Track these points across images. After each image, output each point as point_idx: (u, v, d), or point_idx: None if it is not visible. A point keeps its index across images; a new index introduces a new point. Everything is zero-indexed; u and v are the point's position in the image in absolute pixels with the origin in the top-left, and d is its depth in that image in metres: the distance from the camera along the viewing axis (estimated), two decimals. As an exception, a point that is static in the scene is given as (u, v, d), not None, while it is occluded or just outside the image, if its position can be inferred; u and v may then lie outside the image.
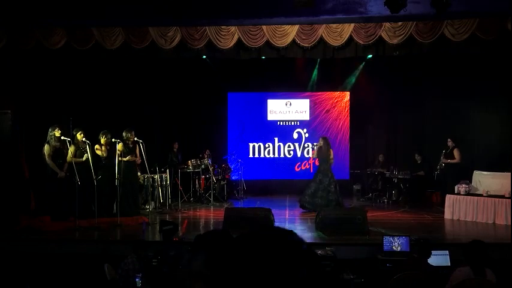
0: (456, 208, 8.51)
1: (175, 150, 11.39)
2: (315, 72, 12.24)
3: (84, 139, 7.91)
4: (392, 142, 12.40)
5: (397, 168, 10.83)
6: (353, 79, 12.25)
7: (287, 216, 8.83)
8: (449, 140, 9.92)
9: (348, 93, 12.63)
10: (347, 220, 7.09)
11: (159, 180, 9.58)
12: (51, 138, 7.81)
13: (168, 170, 10.20)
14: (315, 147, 9.78)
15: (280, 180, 12.40)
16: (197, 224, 8.34)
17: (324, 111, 12.72)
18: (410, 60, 10.33)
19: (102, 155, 8.34)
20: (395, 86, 11.71)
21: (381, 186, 11.23)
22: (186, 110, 12.32)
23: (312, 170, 12.37)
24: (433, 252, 4.96)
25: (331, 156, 9.29)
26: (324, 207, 8.35)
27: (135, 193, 8.74)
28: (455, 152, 9.82)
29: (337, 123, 12.71)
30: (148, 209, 8.55)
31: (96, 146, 8.30)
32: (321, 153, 9.15)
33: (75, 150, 7.99)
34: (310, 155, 9.33)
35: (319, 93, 12.73)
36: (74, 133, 7.99)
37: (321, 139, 9.26)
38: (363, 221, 7.04)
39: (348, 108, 12.64)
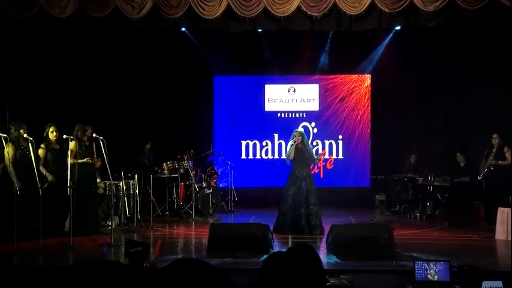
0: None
1: (146, 150, 11.43)
2: (326, 49, 12.23)
3: (26, 135, 7.76)
4: (427, 139, 12.42)
5: (432, 172, 10.80)
6: (375, 58, 12.25)
7: (290, 234, 8.72)
8: (495, 136, 9.73)
9: (369, 76, 12.67)
10: (368, 240, 7.03)
11: (125, 188, 9.51)
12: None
13: (137, 176, 10.14)
14: (288, 145, 9.59)
15: (281, 188, 12.18)
16: (174, 246, 8.27)
17: (337, 100, 12.77)
18: (451, 33, 10.31)
19: (49, 156, 8.20)
20: (430, 67, 11.73)
21: (412, 197, 11.23)
22: (161, 98, 12.35)
23: (322, 175, 12.39)
24: (483, 283, 4.86)
25: (316, 156, 9.16)
26: (299, 233, 8.37)
27: (94, 205, 8.63)
28: (507, 152, 9.72)
29: (354, 115, 12.74)
30: (111, 225, 8.43)
31: (42, 145, 8.16)
32: (299, 153, 8.94)
33: (15, 150, 7.85)
34: (287, 156, 9.04)
35: (332, 76, 12.75)
36: (13, 129, 7.85)
37: (297, 133, 9.00)
38: (389, 241, 6.99)
39: (368, 95, 12.67)
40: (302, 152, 8.90)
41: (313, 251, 3.15)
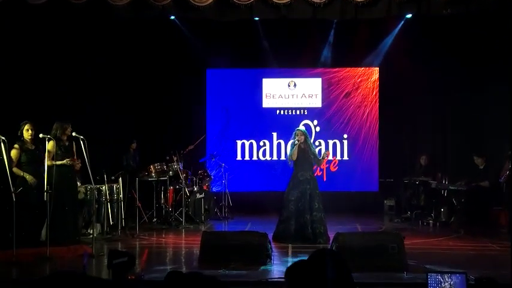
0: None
1: (132, 150, 11.43)
2: (330, 39, 12.25)
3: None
4: (441, 139, 12.44)
5: (447, 175, 10.79)
6: (384, 50, 12.26)
7: (290, 244, 8.68)
8: None
9: (377, 69, 12.71)
10: (376, 250, 7.00)
11: (107, 193, 9.47)
12: None
13: (121, 179, 10.11)
14: (289, 145, 9.49)
15: (280, 193, 12.16)
16: (162, 256, 8.25)
17: (342, 95, 12.79)
18: (468, 23, 10.30)
19: (24, 157, 8.16)
20: (444, 60, 11.74)
21: (425, 202, 11.23)
22: (148, 94, 12.34)
23: (325, 178, 12.38)
24: (502, 296, 4.84)
25: (321, 157, 9.13)
26: (304, 242, 8.34)
27: (73, 212, 8.58)
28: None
29: (361, 112, 12.77)
30: (92, 234, 8.38)
31: (16, 145, 8.11)
32: (302, 153, 8.89)
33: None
34: (289, 157, 8.94)
35: (336, 69, 12.79)
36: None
37: (299, 132, 8.95)
38: (399, 251, 6.95)
39: (376, 90, 12.69)
40: (305, 152, 8.85)
41: (340, 256, 3.19)
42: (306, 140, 8.91)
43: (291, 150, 8.96)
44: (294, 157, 8.81)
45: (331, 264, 3.00)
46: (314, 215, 8.64)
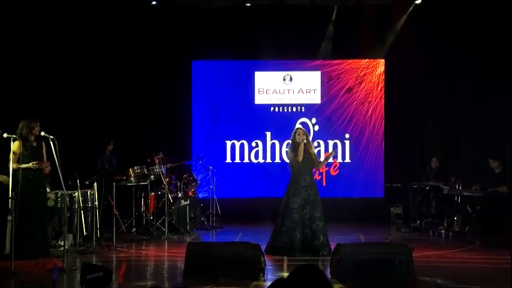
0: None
1: (108, 151, 11.42)
2: (330, 28, 12.26)
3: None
4: (454, 139, 12.45)
5: (461, 180, 10.82)
6: (390, 39, 12.27)
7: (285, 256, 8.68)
8: None
9: (382, 61, 12.75)
10: (381, 263, 6.99)
11: (81, 200, 9.45)
12: None
13: (96, 184, 10.05)
14: (289, 150, 9.33)
15: (274, 199, 12.12)
16: (142, 270, 8.17)
17: (343, 91, 12.79)
18: (484, 9, 10.36)
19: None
20: (458, 50, 11.76)
21: (436, 209, 11.26)
22: (126, 89, 12.36)
23: (325, 183, 12.37)
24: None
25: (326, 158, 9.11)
26: (310, 254, 8.34)
27: (42, 221, 8.52)
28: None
29: (364, 110, 12.80)
30: (64, 246, 8.33)
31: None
32: (306, 155, 8.81)
33: None
34: (295, 159, 8.84)
35: (337, 61, 12.81)
36: None
37: (302, 131, 8.89)
38: (407, 264, 6.94)
39: (382, 85, 12.73)
40: (309, 154, 8.82)
41: (321, 273, 3.25)
42: (308, 140, 8.91)
43: (295, 151, 8.81)
44: (301, 158, 8.73)
45: (313, 282, 3.04)
46: (317, 224, 8.62)
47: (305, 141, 8.74)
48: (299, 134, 8.84)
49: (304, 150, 8.79)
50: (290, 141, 9.09)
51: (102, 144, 11.40)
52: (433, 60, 11.81)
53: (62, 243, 8.53)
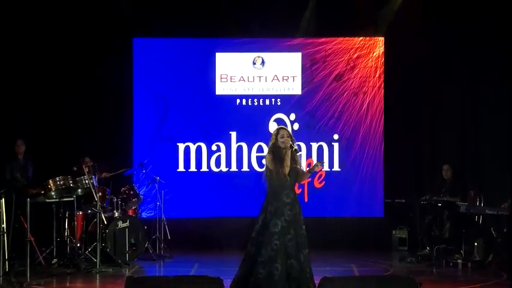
0: None
1: (20, 157, 11.40)
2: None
3: None
4: (473, 142, 12.55)
5: (481, 195, 10.82)
6: (393, 11, 12.29)
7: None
8: None
9: (382, 39, 12.84)
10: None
11: (-17, 221, 9.31)
12: None
13: (3, 200, 9.88)
14: (268, 156, 9.12)
15: (241, 219, 12.31)
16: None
17: (332, 78, 12.83)
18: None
19: None
20: (476, 26, 11.80)
21: (451, 233, 11.27)
22: (46, 75, 12.35)
23: (307, 199, 12.35)
24: None
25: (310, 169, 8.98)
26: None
27: None
28: None
29: (358, 102, 12.84)
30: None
31: None
32: (294, 164, 8.58)
33: None
34: (282, 169, 8.62)
35: (322, 39, 12.91)
36: None
37: (286, 132, 8.66)
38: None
39: (381, 70, 12.83)
40: (295, 162, 8.55)
41: None
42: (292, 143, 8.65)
43: (279, 161, 8.47)
44: (287, 170, 8.40)
45: None
46: (304, 252, 8.44)
47: (294, 147, 8.48)
48: (282, 137, 8.49)
49: (290, 157, 8.59)
50: (269, 146, 8.78)
51: (12, 147, 11.30)
52: (447, 39, 11.79)
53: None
